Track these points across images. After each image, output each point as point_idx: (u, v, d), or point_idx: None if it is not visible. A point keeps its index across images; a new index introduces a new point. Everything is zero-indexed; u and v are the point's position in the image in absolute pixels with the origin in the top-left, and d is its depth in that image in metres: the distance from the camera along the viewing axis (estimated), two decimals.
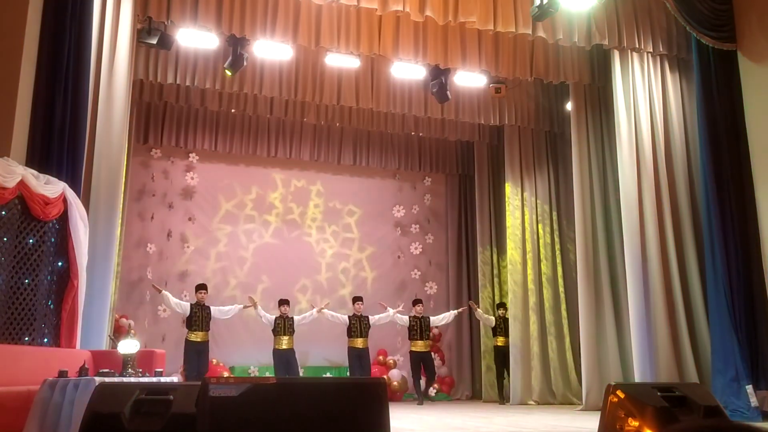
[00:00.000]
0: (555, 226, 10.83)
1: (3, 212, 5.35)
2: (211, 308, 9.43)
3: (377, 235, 12.37)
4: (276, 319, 9.77)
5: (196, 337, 9.14)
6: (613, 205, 9.12)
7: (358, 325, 9.97)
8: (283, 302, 9.98)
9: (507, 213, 10.90)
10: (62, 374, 4.39)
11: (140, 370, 5.03)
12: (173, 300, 9.31)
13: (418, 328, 10.18)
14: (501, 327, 10.47)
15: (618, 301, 8.81)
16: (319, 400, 2.62)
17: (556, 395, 10.01)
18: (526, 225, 10.72)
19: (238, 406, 2.49)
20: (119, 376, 4.66)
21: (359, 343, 9.86)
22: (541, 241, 10.68)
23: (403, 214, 12.57)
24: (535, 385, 10.05)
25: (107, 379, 4.11)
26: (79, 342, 5.94)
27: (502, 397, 10.17)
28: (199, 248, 11.31)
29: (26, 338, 5.46)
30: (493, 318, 10.60)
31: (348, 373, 10.18)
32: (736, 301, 7.45)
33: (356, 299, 10.37)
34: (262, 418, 2.52)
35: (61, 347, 5.71)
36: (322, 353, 11.13)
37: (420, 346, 10.12)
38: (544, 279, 10.54)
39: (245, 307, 9.85)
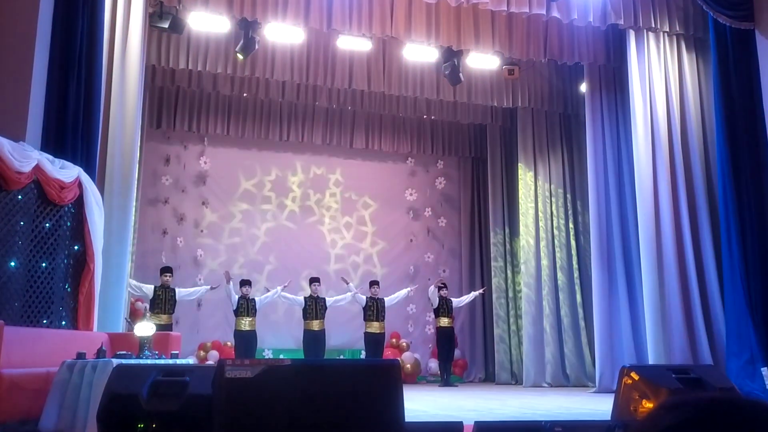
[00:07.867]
0: (569, 208, 10.77)
1: (19, 196, 5.40)
2: (176, 290, 9.26)
3: (390, 219, 12.36)
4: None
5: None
6: (627, 187, 9.04)
7: (314, 307, 9.76)
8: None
9: (520, 195, 10.85)
10: (80, 356, 4.44)
11: (156, 352, 5.08)
12: (133, 283, 8.95)
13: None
14: (444, 307, 10.36)
15: (632, 283, 8.77)
16: (334, 382, 2.64)
17: (570, 377, 10.02)
18: (540, 207, 10.66)
19: (254, 388, 2.51)
20: (136, 358, 4.71)
21: (315, 325, 9.68)
22: (554, 223, 10.63)
23: (416, 197, 12.55)
24: (549, 367, 10.07)
25: (124, 361, 4.17)
26: (96, 324, 6.02)
27: (448, 381, 10.11)
28: (212, 232, 11.38)
29: (44, 321, 5.53)
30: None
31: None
32: (752, 283, 7.40)
33: (313, 280, 10.12)
34: (278, 400, 2.54)
35: (79, 329, 5.79)
36: (338, 336, 11.19)
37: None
38: (557, 261, 10.50)
39: (212, 288, 9.76)
